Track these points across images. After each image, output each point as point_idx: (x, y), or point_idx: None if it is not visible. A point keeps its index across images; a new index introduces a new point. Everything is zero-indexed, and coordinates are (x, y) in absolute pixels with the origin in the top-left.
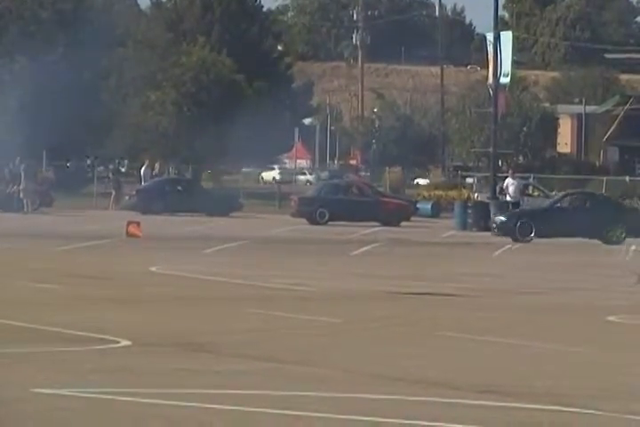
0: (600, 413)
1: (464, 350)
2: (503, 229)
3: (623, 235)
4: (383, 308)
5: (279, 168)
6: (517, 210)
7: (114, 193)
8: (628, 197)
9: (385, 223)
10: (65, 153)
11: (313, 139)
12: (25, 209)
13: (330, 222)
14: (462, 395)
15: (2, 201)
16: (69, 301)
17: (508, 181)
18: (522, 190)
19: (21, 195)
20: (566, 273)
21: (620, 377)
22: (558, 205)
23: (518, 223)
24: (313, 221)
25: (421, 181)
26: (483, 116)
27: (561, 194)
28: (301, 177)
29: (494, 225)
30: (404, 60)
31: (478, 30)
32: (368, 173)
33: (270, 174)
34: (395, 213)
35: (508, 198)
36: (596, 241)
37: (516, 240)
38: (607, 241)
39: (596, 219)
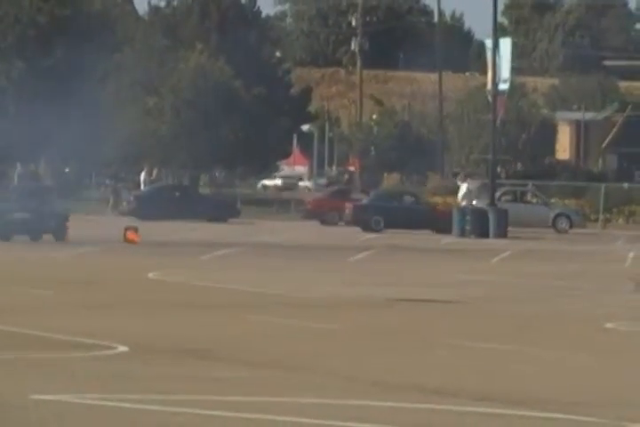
0: (599, 420)
1: (462, 357)
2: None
3: None
4: (381, 314)
5: (281, 175)
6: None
7: (112, 199)
8: (627, 204)
9: (439, 231)
10: (63, 158)
11: (311, 145)
12: None
13: (383, 230)
14: (461, 402)
15: None
16: (66, 306)
17: (462, 185)
18: (476, 193)
19: None
20: (565, 280)
21: (619, 384)
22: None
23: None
24: (368, 229)
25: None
26: (481, 123)
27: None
28: (300, 183)
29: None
30: (402, 66)
31: (477, 36)
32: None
33: (273, 181)
34: (449, 221)
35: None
36: (592, 248)
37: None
38: None
39: None
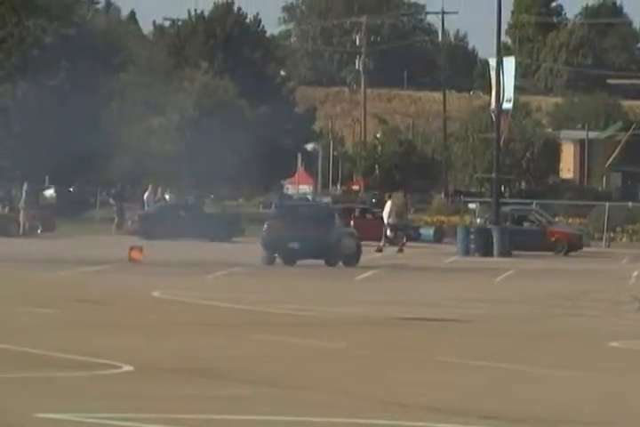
0: None
1: (465, 375)
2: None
3: None
4: (385, 333)
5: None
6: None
7: (116, 218)
8: (631, 222)
9: (555, 252)
10: (67, 178)
11: (315, 164)
12: (21, 232)
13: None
14: (463, 420)
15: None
16: (71, 326)
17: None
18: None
19: (21, 218)
20: (569, 299)
21: (622, 403)
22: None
23: None
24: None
25: None
26: (485, 142)
27: None
28: None
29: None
30: (406, 85)
31: (481, 56)
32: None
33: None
34: (561, 242)
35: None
36: (596, 266)
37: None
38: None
39: None
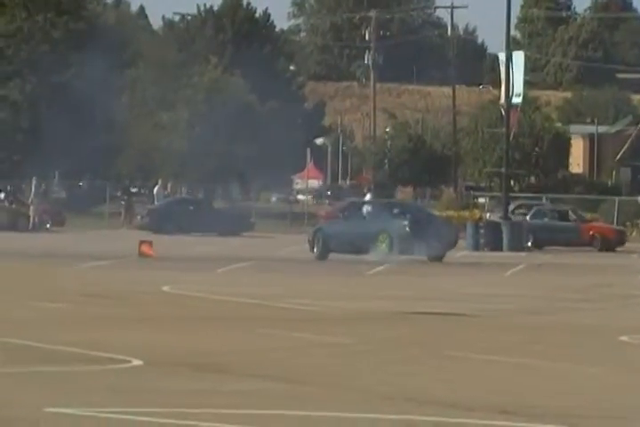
0: None
1: (475, 370)
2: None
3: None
4: (395, 328)
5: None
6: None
7: (123, 212)
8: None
9: (599, 248)
10: (77, 173)
11: (325, 159)
12: (30, 227)
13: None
14: (473, 415)
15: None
16: (80, 320)
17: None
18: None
19: (31, 213)
20: (579, 293)
21: (633, 398)
22: None
23: None
24: None
25: None
26: (495, 137)
27: None
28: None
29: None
30: (416, 80)
31: (490, 50)
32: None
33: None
34: (598, 238)
35: None
36: (606, 261)
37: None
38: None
39: None
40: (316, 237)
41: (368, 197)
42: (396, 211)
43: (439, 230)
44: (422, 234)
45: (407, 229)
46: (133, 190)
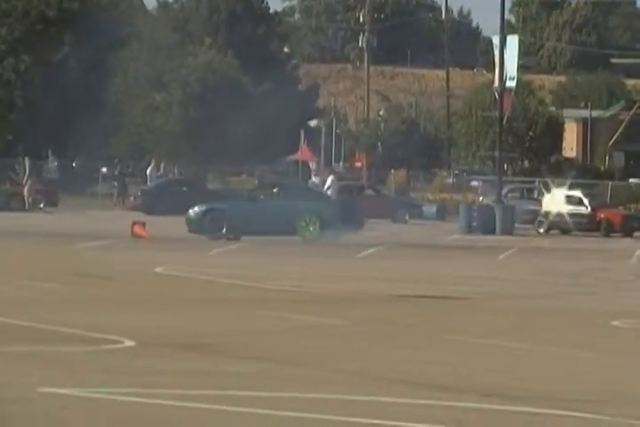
0: (604, 418)
1: (468, 353)
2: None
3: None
4: (387, 310)
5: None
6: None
7: (115, 192)
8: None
9: (603, 233)
10: (70, 153)
11: (318, 141)
12: (26, 207)
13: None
14: (465, 398)
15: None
16: (73, 300)
17: (330, 179)
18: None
19: (25, 193)
20: (571, 278)
21: (624, 382)
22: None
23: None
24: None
25: None
26: (488, 120)
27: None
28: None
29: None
30: (410, 62)
31: (485, 33)
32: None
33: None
34: (609, 223)
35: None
36: (598, 245)
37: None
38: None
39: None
40: (213, 218)
41: (314, 179)
42: (310, 193)
43: (354, 211)
44: (344, 216)
45: (337, 210)
46: (129, 170)
